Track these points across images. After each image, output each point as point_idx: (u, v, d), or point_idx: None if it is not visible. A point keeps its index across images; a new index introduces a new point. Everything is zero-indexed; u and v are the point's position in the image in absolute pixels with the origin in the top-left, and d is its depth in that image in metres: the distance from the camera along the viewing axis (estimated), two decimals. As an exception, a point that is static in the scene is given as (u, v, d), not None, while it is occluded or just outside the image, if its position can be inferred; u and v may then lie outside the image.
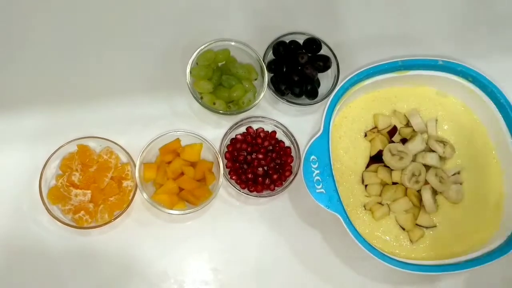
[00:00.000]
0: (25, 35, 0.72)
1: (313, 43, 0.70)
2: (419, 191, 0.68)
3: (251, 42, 0.70)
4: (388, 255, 0.62)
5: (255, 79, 0.69)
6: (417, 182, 0.67)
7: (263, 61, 0.69)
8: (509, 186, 0.68)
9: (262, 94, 0.67)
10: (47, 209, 0.63)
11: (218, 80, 0.68)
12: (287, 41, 0.70)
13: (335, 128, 0.68)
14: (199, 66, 0.68)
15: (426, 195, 0.66)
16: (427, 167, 0.68)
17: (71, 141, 0.65)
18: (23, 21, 0.72)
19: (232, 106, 0.68)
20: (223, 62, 0.70)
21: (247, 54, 0.70)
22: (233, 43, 0.69)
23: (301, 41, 0.71)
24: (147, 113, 0.69)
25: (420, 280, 0.67)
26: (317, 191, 0.62)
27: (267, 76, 0.68)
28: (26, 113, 0.68)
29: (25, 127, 0.68)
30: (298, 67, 0.68)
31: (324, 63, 0.69)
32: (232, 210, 0.67)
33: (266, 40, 0.70)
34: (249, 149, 0.68)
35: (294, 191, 0.67)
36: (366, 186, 0.68)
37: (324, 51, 0.71)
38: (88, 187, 0.64)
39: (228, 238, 0.66)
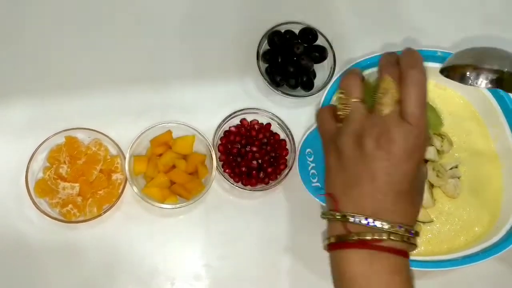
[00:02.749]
0: (10, 21, 0.70)
1: (309, 33, 0.69)
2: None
3: (245, 31, 0.69)
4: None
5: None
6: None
7: (258, 51, 0.67)
8: (507, 180, 0.67)
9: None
10: (34, 202, 0.61)
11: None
12: (283, 31, 0.69)
13: (331, 120, 0.67)
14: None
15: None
16: (424, 161, 0.67)
17: (59, 132, 0.64)
18: (9, 8, 0.70)
19: None
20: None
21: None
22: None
23: (296, 31, 0.70)
24: (137, 104, 0.68)
25: (417, 276, 0.66)
26: (313, 184, 0.62)
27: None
28: (11, 103, 0.67)
29: (11, 118, 0.66)
30: (294, 58, 0.67)
31: (320, 54, 0.68)
32: (225, 204, 0.66)
33: (261, 30, 0.69)
34: (243, 142, 0.67)
35: (289, 185, 0.67)
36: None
37: (320, 41, 0.70)
38: (76, 180, 0.63)
39: (221, 233, 0.65)
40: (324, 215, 0.51)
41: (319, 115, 0.55)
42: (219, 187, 0.67)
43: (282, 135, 0.68)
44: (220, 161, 0.66)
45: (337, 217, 0.48)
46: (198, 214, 0.65)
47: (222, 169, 0.66)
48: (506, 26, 0.77)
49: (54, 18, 0.70)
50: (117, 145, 0.65)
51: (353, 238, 0.47)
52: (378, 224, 0.46)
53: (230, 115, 0.67)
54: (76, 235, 0.63)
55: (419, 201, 0.51)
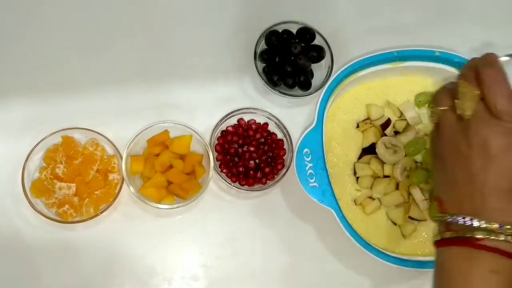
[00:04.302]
0: (8, 21, 0.69)
1: (307, 33, 0.68)
2: (409, 186, 0.67)
3: (242, 30, 0.69)
4: (383, 250, 0.62)
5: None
6: (408, 176, 0.67)
7: (255, 51, 0.67)
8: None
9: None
10: (30, 202, 0.61)
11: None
12: (280, 30, 0.69)
13: (328, 119, 0.67)
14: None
15: (417, 194, 0.66)
16: (419, 163, 0.68)
17: (55, 132, 0.64)
18: (7, 8, 0.70)
19: None
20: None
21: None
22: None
23: (294, 31, 0.69)
24: (134, 103, 0.68)
25: (414, 275, 0.66)
26: (310, 185, 0.62)
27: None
28: (8, 103, 0.66)
29: (7, 118, 0.66)
30: (291, 57, 0.67)
31: (318, 54, 0.68)
32: (223, 204, 0.66)
33: (258, 29, 0.68)
34: (240, 142, 0.66)
35: (286, 185, 0.66)
36: (357, 178, 0.67)
37: (318, 41, 0.69)
38: (73, 180, 0.63)
39: (218, 233, 0.65)
40: (432, 216, 0.54)
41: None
42: (216, 187, 0.66)
43: (280, 135, 0.68)
44: (217, 161, 0.66)
45: (439, 217, 0.50)
46: (195, 214, 0.65)
47: (220, 169, 0.65)
48: (506, 27, 0.77)
49: (51, 18, 0.70)
50: (114, 145, 0.64)
51: (453, 236, 0.48)
52: (477, 223, 0.46)
53: (228, 114, 0.67)
54: (72, 236, 0.63)
55: None
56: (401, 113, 0.70)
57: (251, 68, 0.67)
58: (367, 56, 0.67)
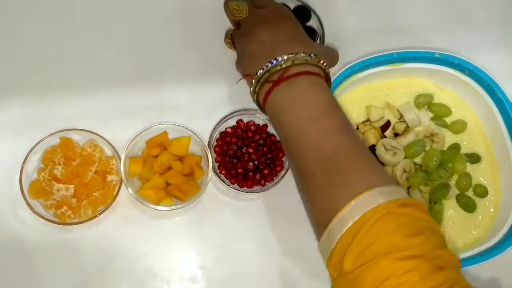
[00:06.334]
0: (6, 21, 0.69)
1: (302, 9, 0.69)
2: (409, 188, 0.67)
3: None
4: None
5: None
6: (408, 178, 0.66)
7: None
8: (505, 182, 0.67)
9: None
10: (28, 204, 0.61)
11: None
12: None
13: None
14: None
15: (417, 196, 0.66)
16: (419, 165, 0.68)
17: (54, 133, 0.63)
18: (6, 7, 0.69)
19: None
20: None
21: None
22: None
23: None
24: (133, 104, 0.68)
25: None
26: (309, 186, 0.61)
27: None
28: (6, 104, 0.66)
29: (5, 119, 0.66)
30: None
31: (311, 36, 0.67)
32: (221, 206, 0.66)
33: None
34: (239, 143, 0.66)
35: (285, 187, 0.66)
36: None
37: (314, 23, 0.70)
38: (71, 182, 0.62)
39: (217, 235, 0.65)
40: (251, 90, 0.60)
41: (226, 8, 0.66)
42: (215, 188, 0.66)
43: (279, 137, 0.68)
44: (216, 162, 0.66)
45: (253, 81, 0.58)
46: (194, 215, 0.65)
47: (218, 171, 0.65)
48: (506, 27, 0.77)
49: (49, 19, 0.70)
50: (112, 146, 0.64)
51: (268, 80, 0.57)
52: (279, 58, 0.56)
53: (226, 116, 0.67)
54: (71, 237, 0.63)
55: (308, 41, 0.61)
56: (401, 115, 0.69)
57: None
58: (367, 58, 0.67)
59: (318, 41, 0.70)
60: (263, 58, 0.58)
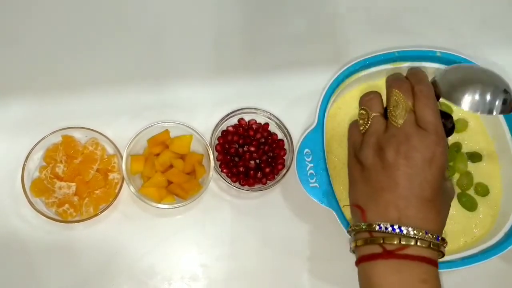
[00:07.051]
0: (6, 20, 0.69)
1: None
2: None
3: (243, 29, 0.68)
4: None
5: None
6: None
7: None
8: (506, 181, 0.67)
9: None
10: (30, 202, 0.61)
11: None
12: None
13: (329, 120, 0.67)
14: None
15: None
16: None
17: (56, 131, 0.63)
18: (6, 7, 0.70)
19: None
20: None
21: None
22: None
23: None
24: (135, 103, 0.68)
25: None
26: (311, 185, 0.61)
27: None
28: (8, 102, 0.66)
29: (7, 117, 0.66)
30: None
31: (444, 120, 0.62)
32: (223, 204, 0.66)
33: (258, 28, 0.68)
34: (240, 142, 0.66)
35: (286, 185, 0.66)
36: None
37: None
38: (73, 180, 0.63)
39: (218, 233, 0.65)
40: (350, 228, 0.52)
41: (349, 128, 0.58)
42: (217, 187, 0.66)
43: (280, 135, 0.68)
44: (217, 161, 0.66)
45: (363, 227, 0.49)
46: (195, 214, 0.65)
47: (220, 169, 0.65)
48: (506, 28, 0.76)
49: (50, 17, 0.70)
50: (114, 144, 0.64)
51: (379, 243, 0.47)
52: (404, 230, 0.46)
53: (228, 114, 0.67)
54: (72, 235, 0.63)
55: (445, 212, 0.51)
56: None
57: (251, 67, 0.67)
58: (368, 57, 0.67)
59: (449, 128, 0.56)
60: (383, 207, 0.48)
